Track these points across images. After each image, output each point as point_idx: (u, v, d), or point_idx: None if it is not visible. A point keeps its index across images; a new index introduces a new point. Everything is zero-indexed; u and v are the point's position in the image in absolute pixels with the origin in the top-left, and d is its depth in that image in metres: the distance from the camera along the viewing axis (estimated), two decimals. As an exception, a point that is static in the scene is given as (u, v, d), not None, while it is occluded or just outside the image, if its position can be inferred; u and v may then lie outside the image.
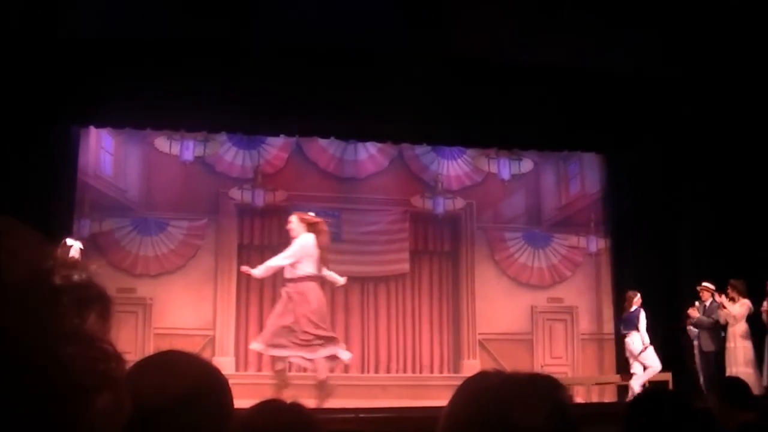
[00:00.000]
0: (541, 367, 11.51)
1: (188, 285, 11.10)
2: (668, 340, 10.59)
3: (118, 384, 0.63)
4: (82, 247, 8.61)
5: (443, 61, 10.38)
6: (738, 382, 4.29)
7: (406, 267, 12.15)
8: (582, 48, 10.21)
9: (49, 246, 0.63)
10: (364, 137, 11.54)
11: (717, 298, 10.11)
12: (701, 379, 10.08)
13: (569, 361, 12.18)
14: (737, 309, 9.98)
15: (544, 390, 1.20)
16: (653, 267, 11.35)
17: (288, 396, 1.73)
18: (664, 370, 10.07)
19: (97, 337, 0.61)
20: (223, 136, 11.66)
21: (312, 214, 9.39)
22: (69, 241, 8.46)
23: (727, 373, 9.42)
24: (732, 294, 10.05)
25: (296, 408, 1.62)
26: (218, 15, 9.56)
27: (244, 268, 9.55)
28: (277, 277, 11.80)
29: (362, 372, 11.68)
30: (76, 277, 0.62)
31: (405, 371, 11.92)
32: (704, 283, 10.27)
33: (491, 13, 9.45)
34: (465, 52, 10.21)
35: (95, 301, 0.62)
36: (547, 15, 9.57)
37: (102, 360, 0.61)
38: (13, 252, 0.59)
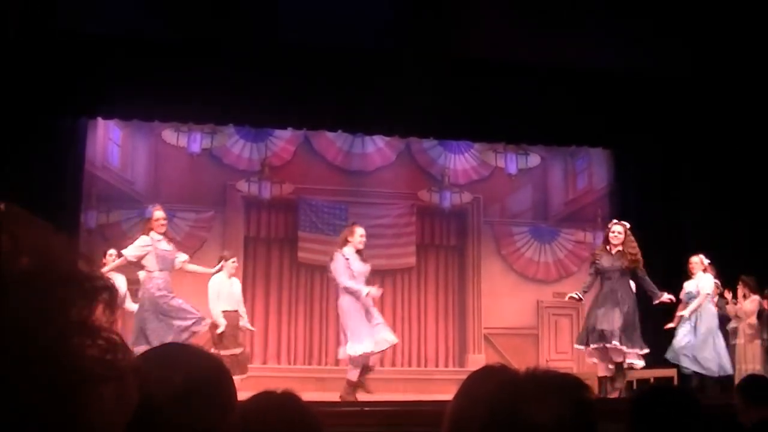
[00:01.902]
0: (546, 362, 11.49)
1: (194, 277, 11.09)
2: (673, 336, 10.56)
3: (125, 375, 0.63)
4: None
5: (451, 57, 10.35)
6: (759, 380, 4.39)
7: (412, 261, 12.15)
8: (591, 46, 10.18)
9: (56, 235, 0.63)
10: (372, 130, 11.49)
11: (726, 294, 10.05)
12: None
13: (574, 356, 12.15)
14: (747, 305, 9.93)
15: (568, 389, 1.20)
16: (660, 263, 11.31)
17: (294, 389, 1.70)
18: (668, 366, 10.04)
19: (104, 327, 0.61)
20: (230, 129, 11.65)
21: None
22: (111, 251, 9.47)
23: (736, 370, 9.41)
24: (743, 290, 9.99)
25: (289, 398, 1.62)
26: (228, 8, 9.55)
27: None
28: (284, 272, 11.86)
29: (367, 365, 11.68)
30: (82, 266, 0.62)
31: (410, 365, 11.92)
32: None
33: (498, 11, 9.44)
34: (472, 49, 10.19)
35: (102, 291, 0.62)
36: (552, 14, 9.55)
37: (109, 350, 0.61)
38: (19, 241, 0.59)
